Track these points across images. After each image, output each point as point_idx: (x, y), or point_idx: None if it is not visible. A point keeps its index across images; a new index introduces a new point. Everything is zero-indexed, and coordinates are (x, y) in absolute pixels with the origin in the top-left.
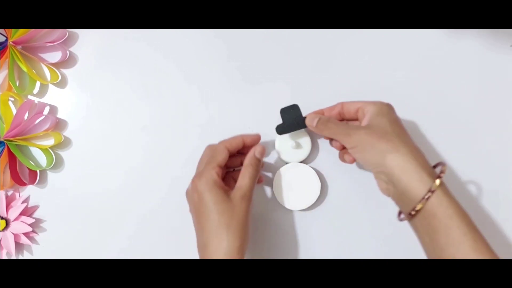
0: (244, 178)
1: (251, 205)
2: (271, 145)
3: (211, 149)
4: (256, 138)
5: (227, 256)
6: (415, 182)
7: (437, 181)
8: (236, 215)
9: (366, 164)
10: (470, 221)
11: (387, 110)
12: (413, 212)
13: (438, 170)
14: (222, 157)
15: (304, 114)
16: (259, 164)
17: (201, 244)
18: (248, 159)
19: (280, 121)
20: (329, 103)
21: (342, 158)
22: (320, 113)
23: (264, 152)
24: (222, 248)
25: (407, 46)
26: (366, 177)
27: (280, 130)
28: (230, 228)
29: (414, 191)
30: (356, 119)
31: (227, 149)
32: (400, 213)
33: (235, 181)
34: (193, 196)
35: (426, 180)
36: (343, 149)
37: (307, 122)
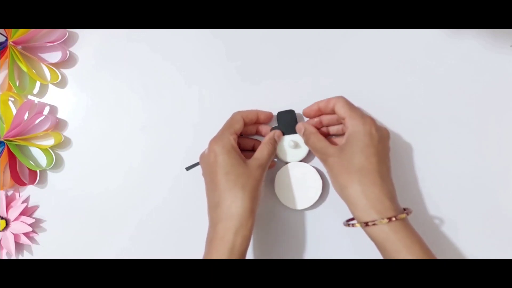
0: (262, 152)
1: (265, 175)
2: None
3: (230, 118)
4: (269, 115)
5: (239, 216)
6: (365, 218)
7: (384, 220)
8: (252, 179)
9: (334, 187)
10: (421, 254)
11: (362, 134)
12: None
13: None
14: (239, 125)
15: (304, 117)
16: (276, 145)
17: (213, 204)
18: (267, 138)
19: (276, 123)
20: None
21: None
22: (314, 108)
23: (281, 137)
24: (236, 207)
25: (407, 46)
26: None
27: None
28: (245, 189)
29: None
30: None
31: (243, 119)
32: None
33: (243, 148)
34: (209, 157)
35: (374, 217)
36: None
37: (296, 128)
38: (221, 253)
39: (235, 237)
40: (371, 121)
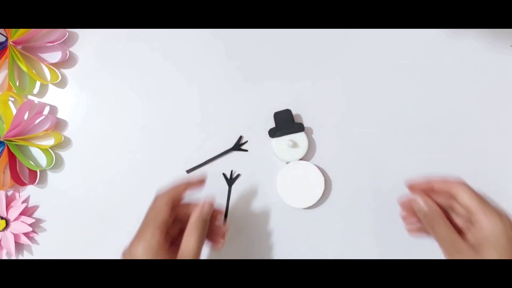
0: (189, 242)
1: None
2: (269, 145)
3: (152, 206)
4: (202, 180)
5: None
6: None
7: None
8: None
9: None
10: None
11: (501, 237)
12: None
13: None
14: (162, 217)
15: (303, 116)
16: (206, 226)
17: None
18: (194, 218)
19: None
20: (329, 103)
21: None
22: (424, 187)
23: (212, 208)
24: None
25: (407, 46)
26: (368, 172)
27: (273, 133)
28: None
29: None
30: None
31: (172, 203)
32: None
33: (182, 219)
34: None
35: None
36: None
37: (416, 206)
38: None
39: None
40: (508, 221)
